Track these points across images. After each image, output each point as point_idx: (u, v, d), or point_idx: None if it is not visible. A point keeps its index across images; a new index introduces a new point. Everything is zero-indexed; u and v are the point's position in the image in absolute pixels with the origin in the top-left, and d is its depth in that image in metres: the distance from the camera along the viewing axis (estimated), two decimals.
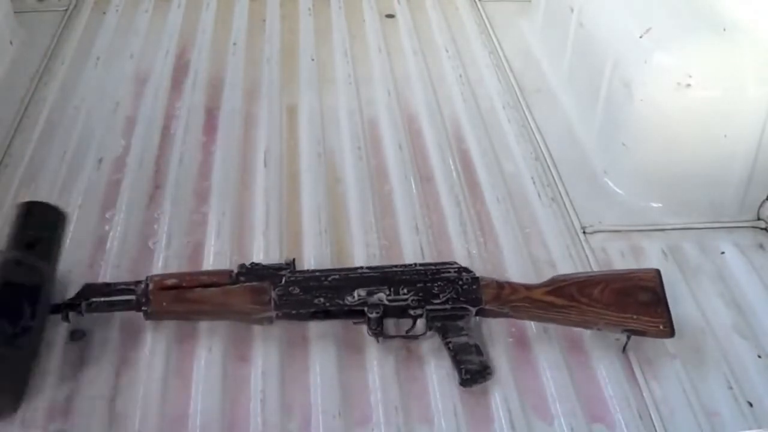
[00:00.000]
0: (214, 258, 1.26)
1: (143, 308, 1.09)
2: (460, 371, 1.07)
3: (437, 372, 1.10)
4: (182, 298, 1.10)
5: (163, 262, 1.25)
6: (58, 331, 1.12)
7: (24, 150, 1.47)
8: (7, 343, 0.98)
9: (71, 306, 1.10)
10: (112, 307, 1.11)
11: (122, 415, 1.03)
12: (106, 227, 1.31)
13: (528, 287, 1.13)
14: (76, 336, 1.12)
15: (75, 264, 1.23)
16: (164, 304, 1.09)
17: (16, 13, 1.80)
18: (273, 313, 1.10)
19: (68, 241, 1.27)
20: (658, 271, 1.14)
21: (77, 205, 1.34)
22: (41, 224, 1.13)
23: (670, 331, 1.10)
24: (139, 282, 1.11)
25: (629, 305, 1.10)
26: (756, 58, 1.29)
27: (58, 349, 1.11)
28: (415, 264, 1.16)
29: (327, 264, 1.25)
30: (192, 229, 1.32)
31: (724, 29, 1.31)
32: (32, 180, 1.40)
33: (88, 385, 1.06)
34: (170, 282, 1.11)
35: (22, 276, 1.05)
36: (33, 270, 1.06)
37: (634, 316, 1.10)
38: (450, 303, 1.11)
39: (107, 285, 1.14)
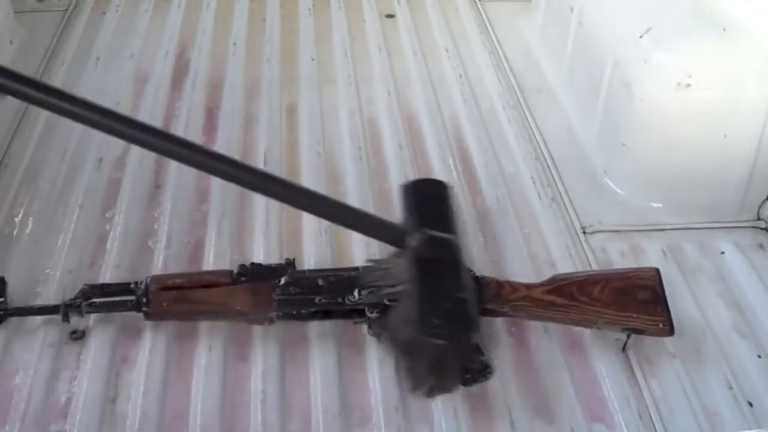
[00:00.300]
0: (215, 258, 1.26)
1: (143, 309, 1.09)
2: None
3: None
4: (183, 299, 1.09)
5: (163, 262, 1.25)
6: (58, 331, 1.12)
7: (24, 150, 1.47)
8: (447, 319, 0.98)
9: (71, 306, 1.10)
10: (113, 307, 1.11)
11: (122, 415, 1.03)
12: (107, 227, 1.31)
13: (528, 286, 1.13)
14: (76, 336, 1.12)
15: (75, 264, 1.24)
16: (164, 304, 1.09)
17: (16, 13, 1.80)
18: (274, 313, 1.10)
19: (68, 241, 1.28)
20: (657, 270, 1.14)
21: (77, 205, 1.35)
22: (432, 198, 1.15)
23: (669, 330, 1.10)
24: (139, 282, 1.11)
25: (629, 304, 1.10)
26: (756, 58, 1.29)
27: (58, 349, 1.11)
28: None
29: (327, 264, 1.25)
30: (192, 228, 1.32)
31: (724, 29, 1.31)
32: (32, 180, 1.40)
33: (88, 385, 1.06)
34: (171, 282, 1.10)
35: (438, 252, 1.05)
36: (445, 244, 1.07)
37: (634, 315, 1.10)
38: None
39: (107, 285, 1.14)
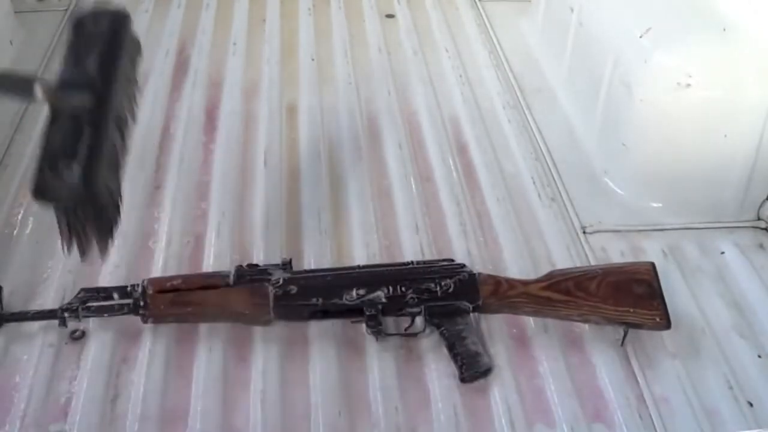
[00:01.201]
0: (214, 258, 1.26)
1: (141, 312, 1.09)
2: (459, 367, 1.07)
3: (437, 372, 1.10)
4: (180, 301, 1.09)
5: (163, 262, 1.25)
6: (59, 331, 1.12)
7: (24, 150, 1.47)
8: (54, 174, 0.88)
9: (68, 311, 1.09)
10: (110, 311, 1.11)
11: (122, 415, 1.03)
12: None
13: (525, 282, 1.14)
14: (76, 336, 1.12)
15: (75, 264, 1.23)
16: (162, 307, 1.09)
17: (16, 13, 1.80)
18: (271, 314, 1.10)
19: None
20: (652, 264, 1.15)
21: None
22: (97, 36, 1.04)
23: (666, 324, 1.10)
24: (135, 285, 1.11)
25: (625, 298, 1.11)
26: (756, 58, 1.29)
27: (58, 349, 1.11)
28: (413, 262, 1.16)
29: (327, 263, 1.25)
30: (192, 228, 1.32)
31: (724, 29, 1.31)
32: None
33: (88, 385, 1.06)
34: (167, 285, 1.10)
35: (69, 101, 0.93)
36: (76, 93, 0.94)
37: (631, 310, 1.10)
38: (448, 300, 1.11)
39: (104, 289, 1.14)
